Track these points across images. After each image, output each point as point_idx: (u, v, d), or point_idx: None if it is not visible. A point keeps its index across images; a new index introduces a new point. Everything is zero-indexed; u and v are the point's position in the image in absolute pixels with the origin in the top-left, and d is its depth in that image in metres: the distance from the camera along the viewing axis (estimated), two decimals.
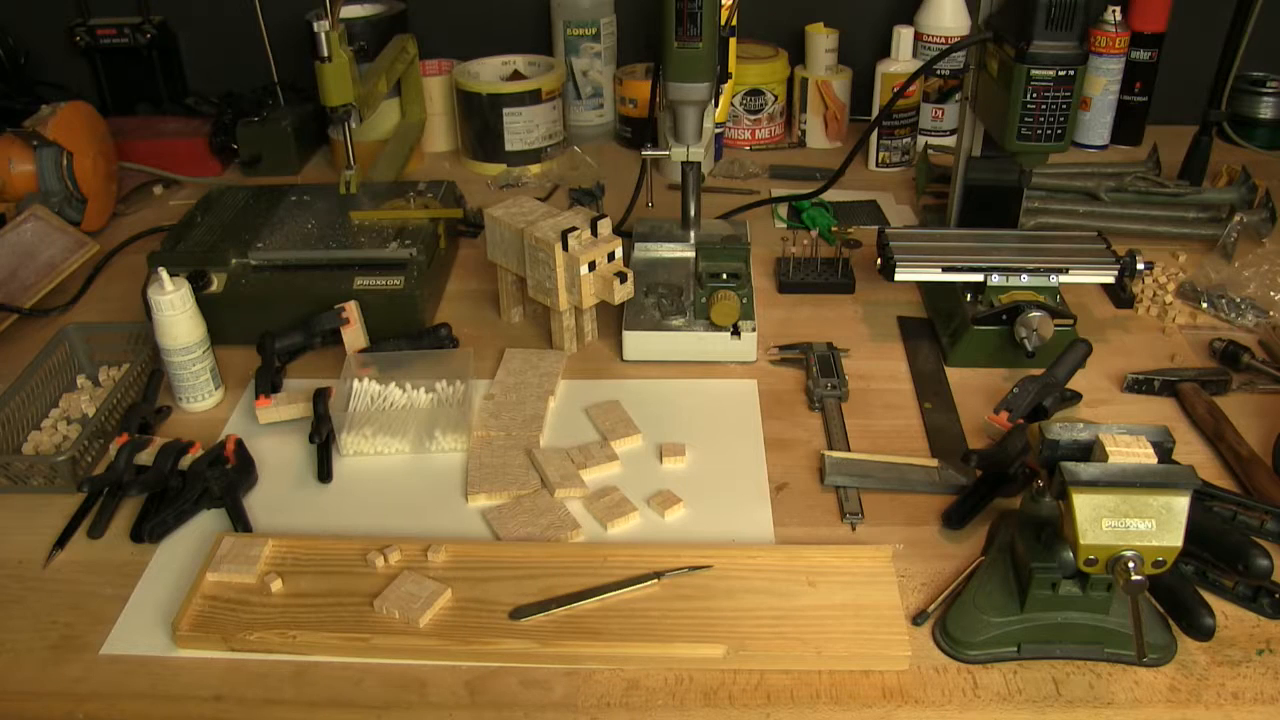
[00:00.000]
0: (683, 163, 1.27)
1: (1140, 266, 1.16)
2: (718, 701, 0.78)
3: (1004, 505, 0.95)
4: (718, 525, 0.95)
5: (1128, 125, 1.74)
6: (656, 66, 1.26)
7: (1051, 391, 1.03)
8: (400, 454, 1.05)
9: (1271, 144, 1.73)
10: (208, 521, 0.97)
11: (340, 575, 0.88)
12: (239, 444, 1.02)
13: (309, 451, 1.05)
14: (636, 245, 1.32)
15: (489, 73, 1.72)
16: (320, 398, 1.07)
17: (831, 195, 1.52)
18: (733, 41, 1.31)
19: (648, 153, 1.27)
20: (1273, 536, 0.90)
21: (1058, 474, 0.74)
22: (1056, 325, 1.11)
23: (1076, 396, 1.08)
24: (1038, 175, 1.45)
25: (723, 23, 1.20)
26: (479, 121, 1.66)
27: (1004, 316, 1.14)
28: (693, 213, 1.33)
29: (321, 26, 1.33)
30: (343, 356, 1.15)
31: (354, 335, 1.18)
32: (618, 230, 1.22)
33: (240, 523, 0.95)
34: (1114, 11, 1.64)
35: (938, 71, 1.69)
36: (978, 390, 1.13)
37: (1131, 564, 0.72)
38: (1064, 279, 1.16)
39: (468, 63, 1.71)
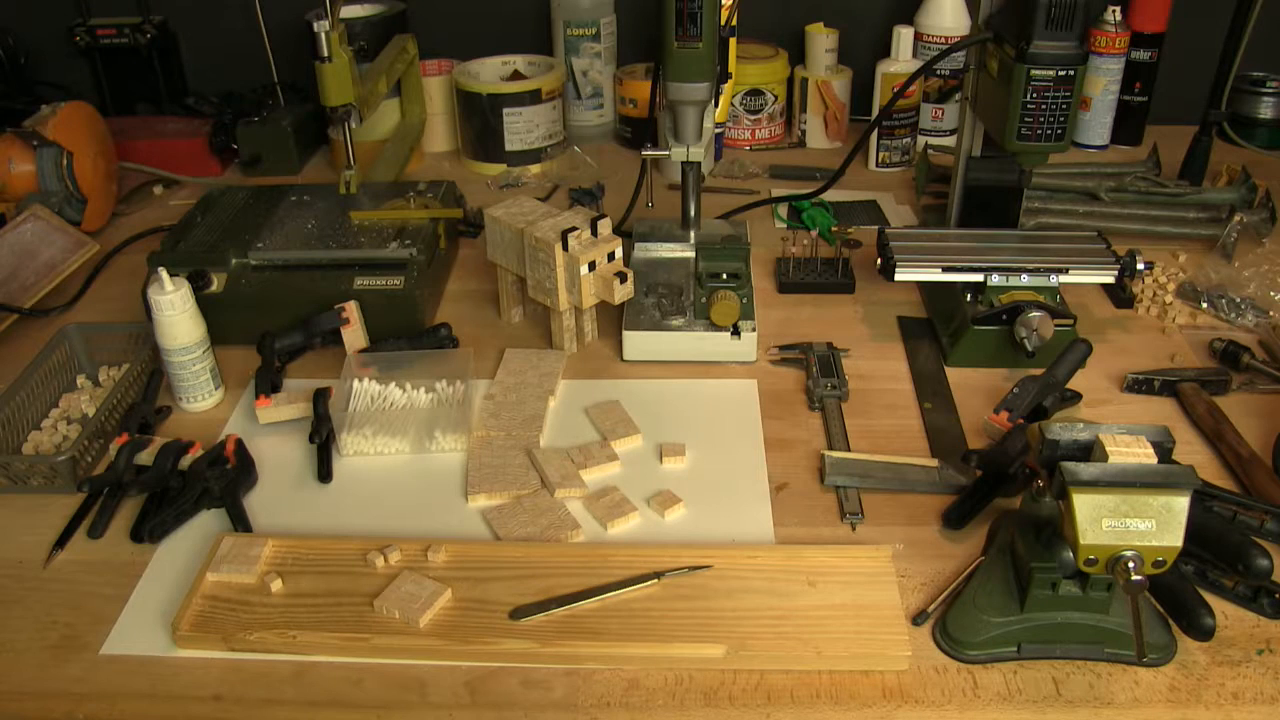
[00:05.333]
0: (683, 163, 1.27)
1: (1140, 266, 1.16)
2: (718, 701, 0.78)
3: (1004, 505, 0.95)
4: (718, 525, 0.95)
5: (1128, 125, 1.74)
6: (656, 66, 1.26)
7: (1051, 391, 1.03)
8: (400, 454, 1.05)
9: (1271, 144, 1.73)
10: (208, 521, 0.97)
11: (340, 575, 0.88)
12: (239, 444, 1.02)
13: (309, 451, 1.05)
14: (636, 245, 1.32)
15: (489, 73, 1.72)
16: (320, 398, 1.07)
17: (831, 195, 1.52)
18: (733, 41, 1.31)
19: (648, 153, 1.27)
20: (1273, 536, 0.90)
21: (1058, 474, 0.74)
22: (1056, 325, 1.11)
23: (1076, 396, 1.08)
24: (1038, 175, 1.45)
25: (723, 23, 1.20)
26: (479, 121, 1.66)
27: (1004, 316, 1.14)
28: (693, 213, 1.33)
29: (321, 26, 1.33)
30: (343, 356, 1.15)
31: (354, 335, 1.18)
32: (618, 230, 1.22)
33: (240, 523, 0.95)
34: (1114, 11, 1.64)
35: (938, 71, 1.69)
36: (978, 390, 1.13)
37: (1131, 564, 0.72)
38: (1064, 279, 1.16)
39: (468, 63, 1.71)
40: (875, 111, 1.69)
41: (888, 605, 0.84)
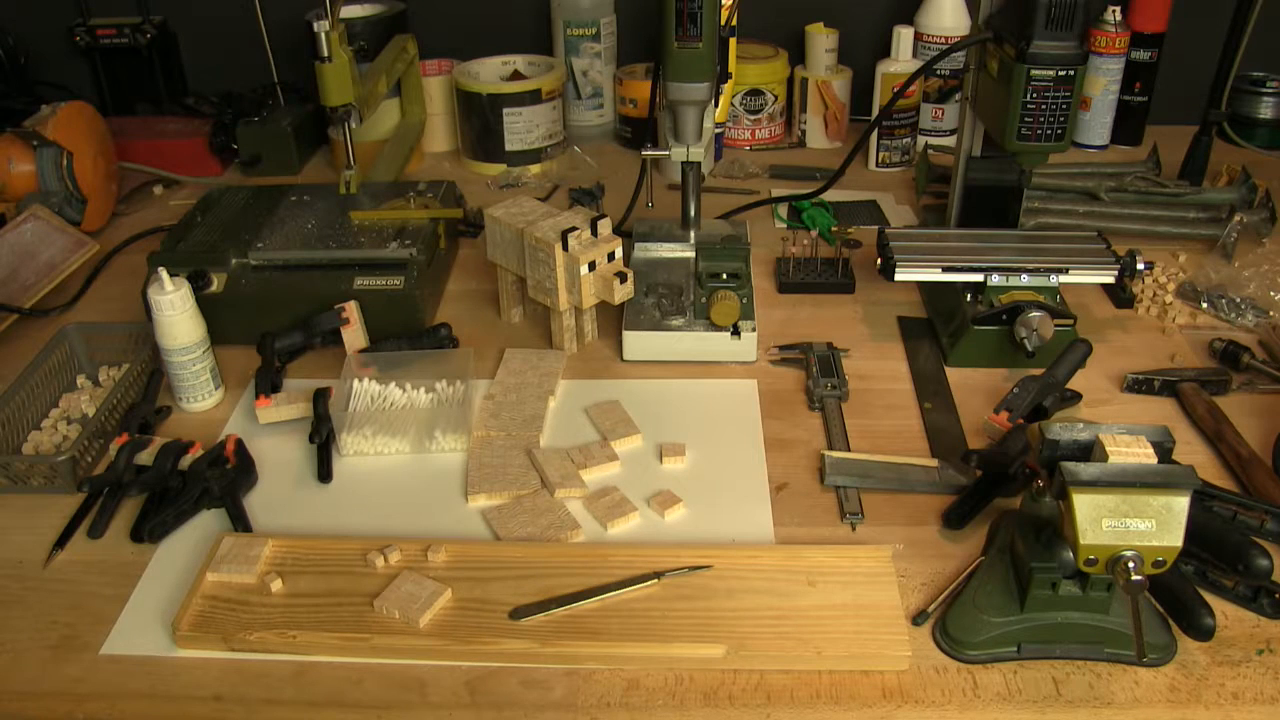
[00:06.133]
0: (683, 163, 1.27)
1: (1140, 266, 1.16)
2: (718, 701, 0.78)
3: (1004, 505, 0.95)
4: (718, 525, 0.95)
5: (1128, 125, 1.74)
6: (656, 66, 1.26)
7: (1051, 391, 1.03)
8: (400, 454, 1.05)
9: (1271, 144, 1.73)
10: (208, 521, 0.97)
11: (340, 575, 0.88)
12: (239, 444, 1.02)
13: (309, 451, 1.05)
14: (636, 245, 1.32)
15: (489, 73, 1.72)
16: (320, 398, 1.07)
17: (831, 195, 1.52)
18: (733, 41, 1.31)
19: (648, 153, 1.27)
20: (1273, 536, 0.90)
21: (1058, 474, 0.74)
22: (1056, 325, 1.11)
23: (1076, 396, 1.08)
24: (1038, 175, 1.45)
25: (723, 23, 1.20)
26: (479, 121, 1.66)
27: (1004, 316, 1.14)
28: (693, 213, 1.33)
29: (321, 26, 1.33)
30: (343, 356, 1.15)
31: (354, 335, 1.18)
32: (618, 230, 1.22)
33: (240, 523, 0.95)
34: (1114, 11, 1.64)
35: (938, 71, 1.69)
36: (978, 390, 1.13)
37: (1131, 564, 0.72)
38: (1064, 279, 1.16)
39: (468, 63, 1.71)
40: (875, 111, 1.69)
41: (888, 605, 0.84)
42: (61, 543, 0.94)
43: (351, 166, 1.42)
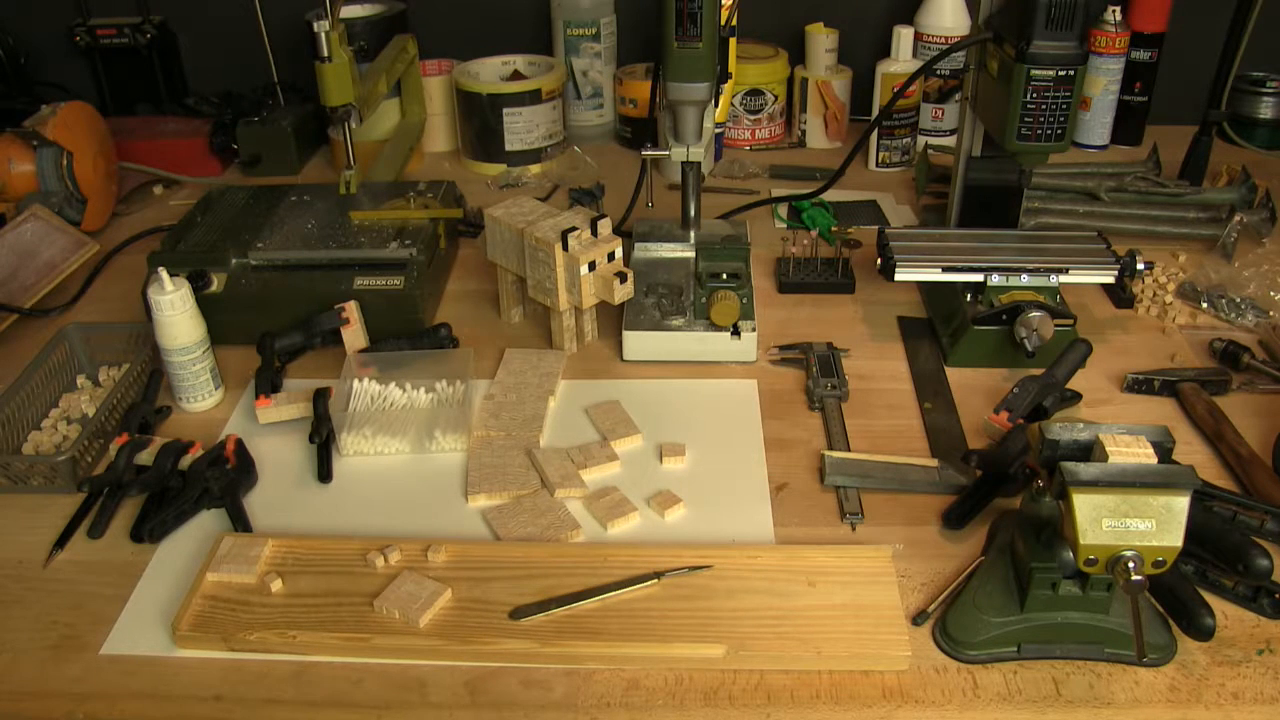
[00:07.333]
0: (683, 163, 1.27)
1: (1140, 266, 1.16)
2: (718, 701, 0.78)
3: (1004, 505, 0.95)
4: (718, 525, 0.95)
5: (1128, 125, 1.74)
6: (656, 66, 1.26)
7: (1051, 391, 1.03)
8: (400, 454, 1.05)
9: (1271, 144, 1.73)
10: (208, 521, 0.97)
11: (340, 575, 0.88)
12: (239, 444, 1.02)
13: (309, 451, 1.05)
14: (636, 245, 1.32)
15: (489, 73, 1.72)
16: (320, 398, 1.07)
17: (831, 195, 1.52)
18: (733, 41, 1.31)
19: (648, 153, 1.27)
20: (1273, 536, 0.90)
21: (1058, 474, 0.74)
22: (1056, 325, 1.11)
23: (1076, 396, 1.08)
24: (1038, 175, 1.45)
25: (723, 23, 1.20)
26: (479, 121, 1.67)
27: (1004, 316, 1.14)
28: (693, 213, 1.33)
29: (321, 26, 1.33)
30: (343, 356, 1.15)
31: (354, 335, 1.18)
32: (618, 230, 1.22)
33: (240, 523, 0.95)
34: (1114, 11, 1.64)
35: (938, 71, 1.69)
36: (978, 390, 1.13)
37: (1131, 564, 0.72)
38: (1064, 279, 1.16)
39: (468, 63, 1.71)
40: (875, 111, 1.69)
41: (888, 605, 0.84)
42: (61, 543, 0.94)
43: (351, 166, 1.42)
